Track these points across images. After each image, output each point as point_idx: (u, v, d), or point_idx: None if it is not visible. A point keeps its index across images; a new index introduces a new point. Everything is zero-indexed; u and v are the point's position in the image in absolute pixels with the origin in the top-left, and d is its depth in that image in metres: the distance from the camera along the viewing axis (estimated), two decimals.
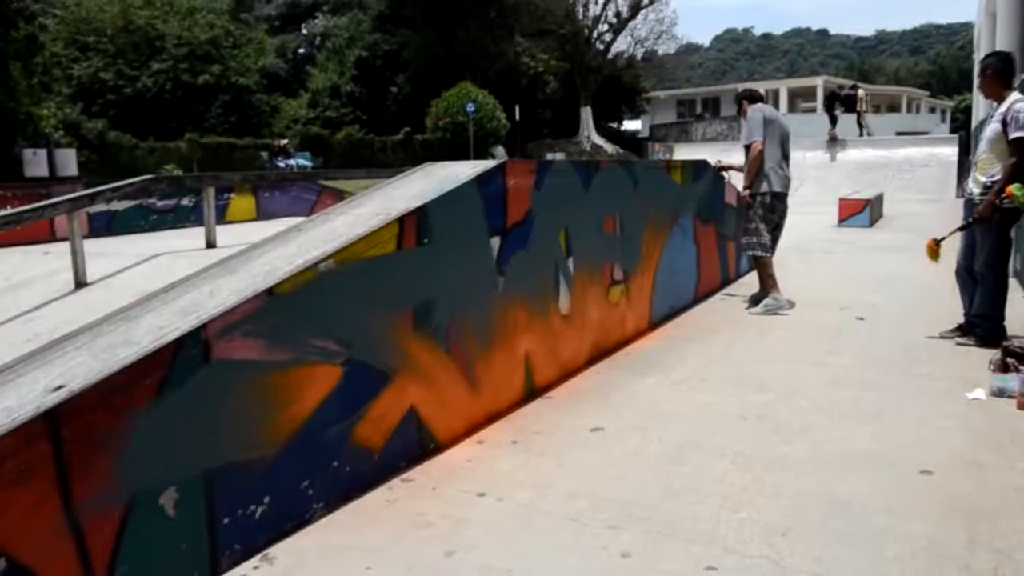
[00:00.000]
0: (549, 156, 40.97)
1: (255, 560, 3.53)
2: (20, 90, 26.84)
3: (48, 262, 7.85)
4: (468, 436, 4.91)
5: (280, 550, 3.62)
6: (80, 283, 7.01)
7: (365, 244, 4.16)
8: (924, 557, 3.45)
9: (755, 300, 8.62)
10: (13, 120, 26.42)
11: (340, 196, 13.51)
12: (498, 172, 5.18)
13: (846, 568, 3.38)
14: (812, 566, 3.39)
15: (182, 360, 3.25)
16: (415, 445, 4.53)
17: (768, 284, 8.51)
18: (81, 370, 3.08)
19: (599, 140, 51.56)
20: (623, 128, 63.38)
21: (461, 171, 5.04)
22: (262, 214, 13.40)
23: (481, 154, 39.85)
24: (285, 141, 39.86)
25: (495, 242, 5.17)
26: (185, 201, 12.06)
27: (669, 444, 4.79)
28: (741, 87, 9.78)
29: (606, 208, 6.72)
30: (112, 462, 3.02)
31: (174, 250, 8.01)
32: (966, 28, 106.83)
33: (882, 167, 25.28)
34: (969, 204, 6.90)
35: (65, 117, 35.06)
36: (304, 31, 62.16)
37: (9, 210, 7.96)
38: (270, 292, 3.63)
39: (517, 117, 42.91)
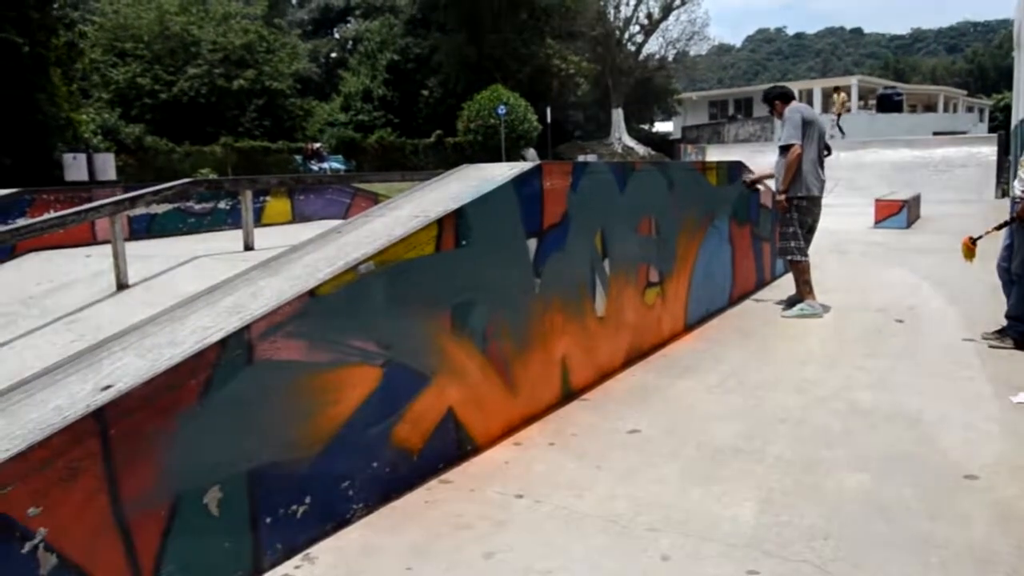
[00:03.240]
0: (580, 158, 40.89)
1: (296, 559, 3.56)
2: (60, 96, 27.16)
3: (90, 264, 7.92)
4: (505, 438, 4.92)
5: (321, 550, 3.64)
6: (122, 285, 7.07)
7: (404, 246, 4.18)
8: (970, 563, 3.42)
9: (790, 303, 8.56)
10: (54, 125, 26.74)
11: (374, 199, 13.56)
12: (535, 174, 5.19)
13: (889, 574, 3.36)
14: (854, 571, 3.37)
15: (227, 360, 3.29)
16: (453, 446, 4.55)
17: (804, 290, 8.44)
18: (129, 370, 3.13)
19: (630, 142, 51.47)
20: (654, 130, 63.24)
21: (497, 173, 5.06)
22: (297, 217, 13.45)
23: (513, 156, 39.87)
24: (318, 145, 40.07)
25: (532, 244, 5.18)
26: (222, 204, 12.14)
27: (707, 447, 4.78)
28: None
29: (642, 210, 6.71)
30: (158, 461, 3.06)
31: (213, 252, 8.06)
32: (1004, 25, 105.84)
33: (919, 167, 25.02)
34: (1014, 204, 6.83)
35: (103, 122, 35.44)
36: (336, 35, 62.44)
37: (53, 213, 8.04)
38: (312, 293, 3.67)
39: (548, 119, 42.88)
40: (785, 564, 3.44)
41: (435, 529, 3.81)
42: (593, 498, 4.12)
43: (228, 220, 12.04)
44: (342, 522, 3.84)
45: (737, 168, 9.12)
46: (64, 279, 7.60)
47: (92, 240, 9.72)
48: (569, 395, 5.62)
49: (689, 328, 7.70)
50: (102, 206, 7.32)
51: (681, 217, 7.49)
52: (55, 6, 27.57)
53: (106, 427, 2.88)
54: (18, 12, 24.14)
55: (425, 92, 47.67)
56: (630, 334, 6.54)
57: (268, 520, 3.49)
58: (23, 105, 25.03)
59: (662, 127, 65.36)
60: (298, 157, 38.90)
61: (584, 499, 4.11)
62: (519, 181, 5.04)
